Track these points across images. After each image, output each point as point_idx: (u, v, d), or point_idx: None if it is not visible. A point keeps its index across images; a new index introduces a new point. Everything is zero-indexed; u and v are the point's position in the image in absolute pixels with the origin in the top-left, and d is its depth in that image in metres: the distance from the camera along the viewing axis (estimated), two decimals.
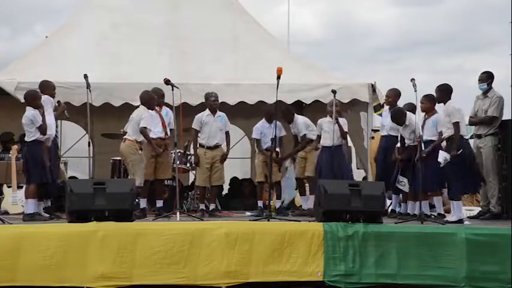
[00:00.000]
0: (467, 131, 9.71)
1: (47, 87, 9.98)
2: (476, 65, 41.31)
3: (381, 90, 11.42)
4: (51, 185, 9.56)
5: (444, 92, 9.43)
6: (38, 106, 9.46)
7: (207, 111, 10.62)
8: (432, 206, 9.94)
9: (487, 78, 10.32)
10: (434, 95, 9.53)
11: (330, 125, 10.39)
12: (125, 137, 9.95)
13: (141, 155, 9.76)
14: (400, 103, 10.50)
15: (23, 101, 10.66)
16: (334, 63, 38.48)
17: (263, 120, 10.88)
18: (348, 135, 10.77)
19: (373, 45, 41.29)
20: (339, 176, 10.08)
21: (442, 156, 9.17)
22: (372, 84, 11.71)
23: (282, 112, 10.63)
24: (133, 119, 9.96)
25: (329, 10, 41.21)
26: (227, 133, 10.84)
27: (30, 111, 9.34)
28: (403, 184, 9.96)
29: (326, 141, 10.49)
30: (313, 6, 40.17)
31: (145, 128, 9.88)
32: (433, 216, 9.61)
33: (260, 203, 10.76)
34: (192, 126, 10.67)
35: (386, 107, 10.67)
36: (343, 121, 10.52)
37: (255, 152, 11.24)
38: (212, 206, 10.74)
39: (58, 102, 10.27)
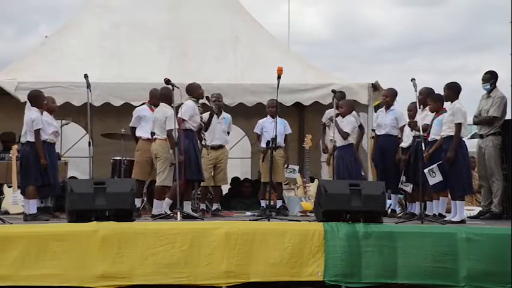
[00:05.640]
0: (468, 131, 9.69)
1: (196, 89, 9.89)
2: (480, 65, 41.38)
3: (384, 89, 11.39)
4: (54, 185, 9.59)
5: (452, 91, 9.40)
6: (42, 106, 9.48)
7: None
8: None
9: (489, 78, 10.30)
10: (443, 93, 9.51)
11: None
12: (154, 136, 9.84)
13: (172, 154, 9.67)
14: (403, 103, 10.52)
15: (23, 100, 10.70)
16: (339, 64, 38.55)
17: (267, 116, 10.86)
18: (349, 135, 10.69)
19: (377, 45, 41.37)
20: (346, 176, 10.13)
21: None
22: (373, 84, 11.71)
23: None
24: (158, 119, 9.68)
25: (334, 10, 41.30)
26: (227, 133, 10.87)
27: (34, 113, 9.37)
28: (407, 185, 9.96)
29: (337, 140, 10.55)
30: (318, 6, 40.23)
31: (171, 130, 9.51)
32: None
33: (263, 203, 10.75)
34: None
35: (383, 107, 10.67)
36: (347, 120, 10.52)
37: (256, 151, 11.24)
38: (215, 206, 10.75)
39: None
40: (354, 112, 10.70)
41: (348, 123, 10.43)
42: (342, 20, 41.49)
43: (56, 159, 9.85)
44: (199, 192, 11.08)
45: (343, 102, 10.70)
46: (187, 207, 9.72)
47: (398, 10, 43.02)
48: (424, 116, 9.62)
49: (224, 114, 10.67)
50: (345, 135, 10.37)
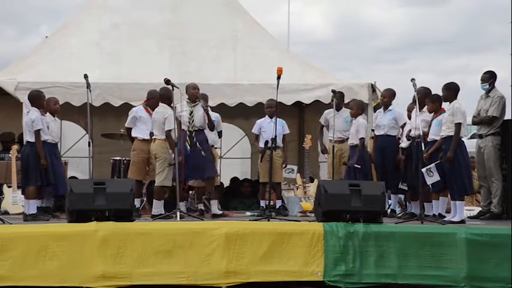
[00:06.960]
0: (467, 131, 9.68)
1: (188, 89, 9.85)
2: (481, 65, 41.47)
3: (381, 90, 11.40)
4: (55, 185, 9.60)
5: (451, 91, 9.40)
6: (42, 107, 9.49)
7: None
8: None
9: (488, 78, 10.32)
10: (441, 94, 9.51)
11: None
12: (154, 136, 9.84)
13: (171, 154, 9.63)
14: (403, 103, 10.52)
15: (22, 101, 10.71)
16: (339, 64, 38.63)
17: (266, 116, 10.86)
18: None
19: (377, 45, 41.45)
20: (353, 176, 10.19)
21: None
22: (372, 84, 11.72)
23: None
24: (157, 120, 9.70)
25: (334, 10, 41.38)
26: (219, 133, 10.85)
27: (34, 113, 9.36)
28: (406, 185, 9.96)
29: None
30: (318, 6, 40.31)
31: (170, 131, 9.54)
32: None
33: (263, 203, 10.74)
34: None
35: (382, 107, 10.67)
36: (358, 122, 10.50)
37: (256, 151, 11.23)
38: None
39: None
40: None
41: (360, 126, 10.43)
42: (342, 20, 41.64)
43: (58, 158, 9.84)
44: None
45: (354, 103, 10.68)
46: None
47: (399, 10, 43.14)
48: (424, 118, 9.62)
49: (210, 113, 10.64)
50: (362, 141, 10.39)
